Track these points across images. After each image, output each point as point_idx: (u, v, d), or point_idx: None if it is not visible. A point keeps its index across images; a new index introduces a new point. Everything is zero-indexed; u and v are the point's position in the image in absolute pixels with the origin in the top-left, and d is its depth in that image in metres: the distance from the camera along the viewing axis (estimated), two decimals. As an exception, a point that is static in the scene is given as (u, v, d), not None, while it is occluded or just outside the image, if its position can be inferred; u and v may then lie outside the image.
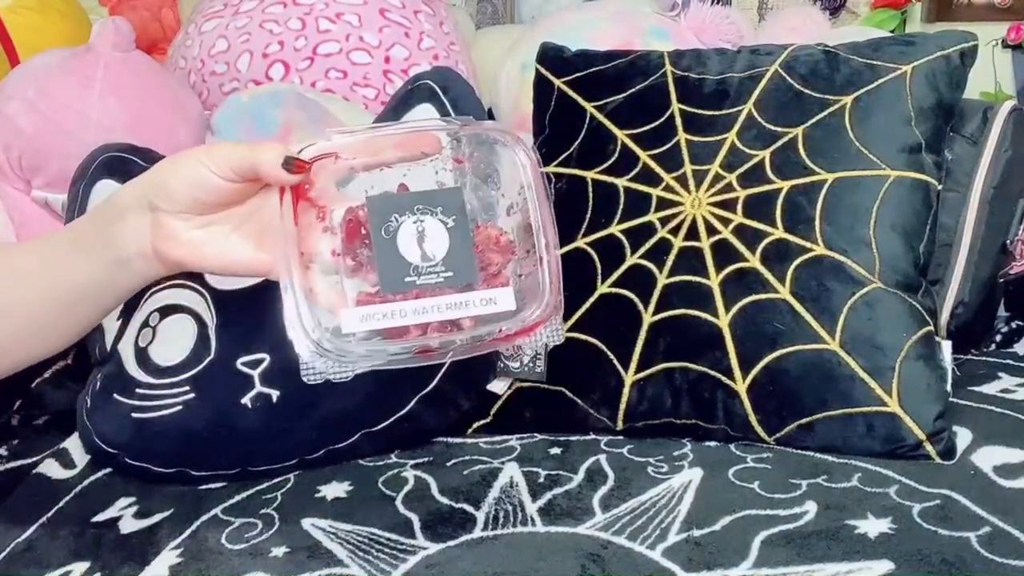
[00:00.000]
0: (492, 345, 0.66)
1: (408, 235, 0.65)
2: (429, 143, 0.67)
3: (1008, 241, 1.14)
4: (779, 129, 1.03)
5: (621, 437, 1.00)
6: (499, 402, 1.05)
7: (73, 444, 1.03)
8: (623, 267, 1.03)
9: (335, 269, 0.66)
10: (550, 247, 0.67)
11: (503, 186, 0.68)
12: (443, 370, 0.99)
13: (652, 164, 1.06)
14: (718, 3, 1.53)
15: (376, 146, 0.67)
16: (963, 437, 0.93)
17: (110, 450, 0.97)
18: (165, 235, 0.67)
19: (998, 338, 1.22)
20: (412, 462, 0.96)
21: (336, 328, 0.63)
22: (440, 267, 0.65)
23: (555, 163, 1.13)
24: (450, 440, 1.02)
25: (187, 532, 0.84)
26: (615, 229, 1.05)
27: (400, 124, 0.71)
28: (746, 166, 1.02)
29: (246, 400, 0.93)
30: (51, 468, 1.00)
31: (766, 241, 0.98)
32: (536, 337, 0.66)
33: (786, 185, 1.00)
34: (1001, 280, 1.18)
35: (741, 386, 0.95)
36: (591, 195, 1.08)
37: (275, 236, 0.65)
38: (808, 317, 0.94)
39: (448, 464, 0.95)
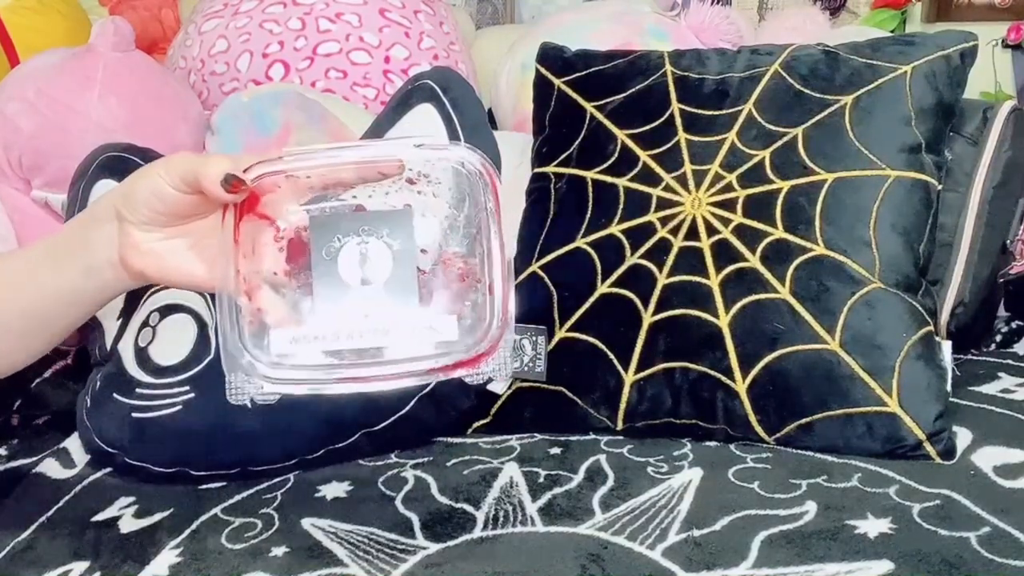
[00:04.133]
0: (428, 376, 0.63)
1: (350, 257, 0.63)
2: (388, 165, 0.65)
3: (1008, 241, 1.14)
4: (779, 129, 1.03)
5: (621, 437, 0.99)
6: (499, 402, 1.05)
7: (73, 444, 1.03)
8: (623, 267, 1.03)
9: (284, 288, 0.64)
10: (503, 276, 0.64)
11: (463, 209, 0.66)
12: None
13: (652, 164, 1.06)
14: (718, 3, 1.53)
15: (333, 167, 0.65)
16: (963, 437, 0.93)
17: (110, 450, 0.97)
18: (129, 244, 0.67)
19: (998, 338, 1.22)
20: (412, 462, 0.96)
21: (265, 348, 0.62)
22: (380, 291, 0.63)
23: (555, 163, 1.13)
24: (450, 440, 1.02)
25: (187, 532, 0.84)
26: (615, 229, 1.05)
27: (359, 145, 0.68)
28: (746, 166, 1.02)
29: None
30: (51, 468, 1.00)
31: (766, 241, 0.98)
32: (478, 370, 0.63)
33: (786, 185, 1.00)
34: (1001, 280, 1.18)
35: (741, 386, 0.95)
36: (591, 195, 1.08)
37: (216, 252, 0.64)
38: (808, 317, 0.94)
39: (448, 464, 0.95)
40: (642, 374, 0.99)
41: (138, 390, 0.96)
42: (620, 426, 1.00)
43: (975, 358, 1.16)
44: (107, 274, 0.69)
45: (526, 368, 1.02)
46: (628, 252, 1.03)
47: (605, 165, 1.09)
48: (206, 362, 0.95)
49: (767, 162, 1.01)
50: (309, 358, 0.62)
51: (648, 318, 0.99)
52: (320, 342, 0.62)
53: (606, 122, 1.11)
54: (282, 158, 0.64)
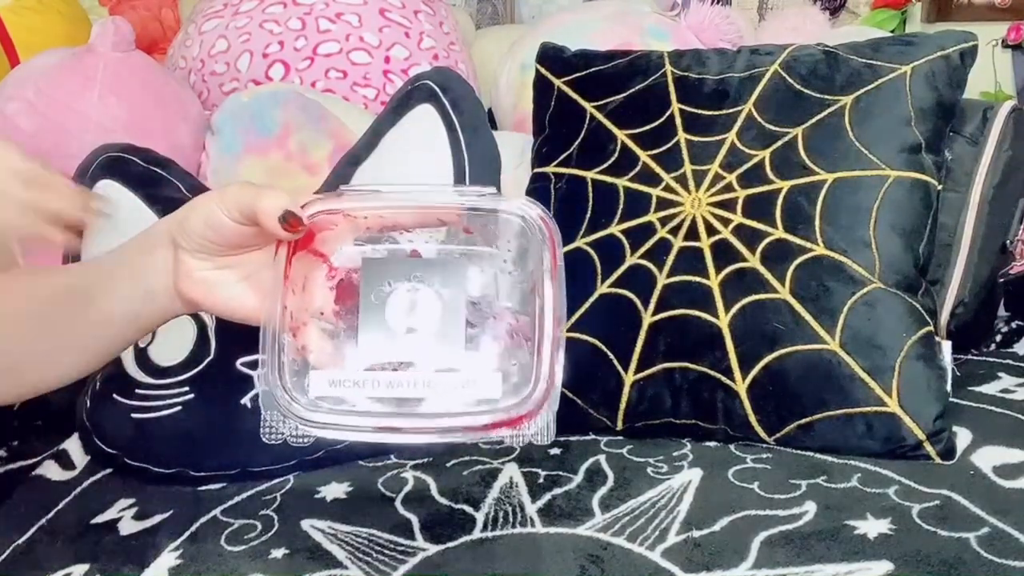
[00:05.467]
0: (466, 434, 0.60)
1: (399, 303, 0.61)
2: (447, 213, 0.63)
3: (1008, 241, 1.14)
4: (779, 129, 1.03)
5: (621, 437, 1.00)
6: (499, 402, 1.05)
7: (73, 445, 1.03)
8: (623, 267, 1.02)
9: (330, 328, 0.63)
10: (553, 335, 0.60)
11: (519, 264, 0.63)
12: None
13: (652, 164, 1.06)
14: (718, 3, 1.53)
15: (393, 211, 0.64)
16: (963, 437, 0.93)
17: (110, 451, 0.97)
18: (183, 272, 0.66)
19: (998, 338, 1.22)
20: (412, 463, 0.96)
21: (304, 389, 0.61)
22: (426, 341, 0.61)
23: (555, 163, 1.13)
24: (450, 440, 1.01)
25: (186, 534, 0.84)
26: (615, 229, 1.05)
27: (420, 190, 0.64)
28: (746, 166, 1.02)
29: (245, 400, 0.93)
30: (51, 469, 1.00)
31: (766, 241, 0.98)
32: (518, 432, 0.60)
33: (786, 185, 1.00)
34: (1001, 280, 1.18)
35: (741, 386, 0.95)
36: (591, 195, 1.08)
37: (267, 286, 0.63)
38: (808, 317, 0.94)
39: (448, 465, 0.94)
40: (642, 374, 0.99)
41: (138, 390, 0.96)
42: (620, 426, 1.00)
43: (975, 358, 1.16)
44: (163, 300, 0.68)
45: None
46: (628, 252, 1.03)
47: (605, 165, 1.09)
48: (205, 363, 0.95)
49: (767, 162, 1.01)
50: (347, 403, 0.61)
51: (648, 318, 0.99)
52: (360, 388, 0.61)
53: (606, 122, 1.11)
54: (342, 196, 0.62)
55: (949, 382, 0.96)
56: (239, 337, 0.94)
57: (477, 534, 0.80)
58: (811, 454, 0.92)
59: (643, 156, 1.07)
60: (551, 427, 0.61)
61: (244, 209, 0.62)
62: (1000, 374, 1.10)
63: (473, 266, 0.63)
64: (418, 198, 0.63)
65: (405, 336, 0.61)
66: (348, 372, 0.61)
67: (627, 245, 1.03)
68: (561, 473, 0.91)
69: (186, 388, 0.95)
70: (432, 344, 0.61)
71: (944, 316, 1.09)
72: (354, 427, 0.61)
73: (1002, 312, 1.24)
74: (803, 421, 0.93)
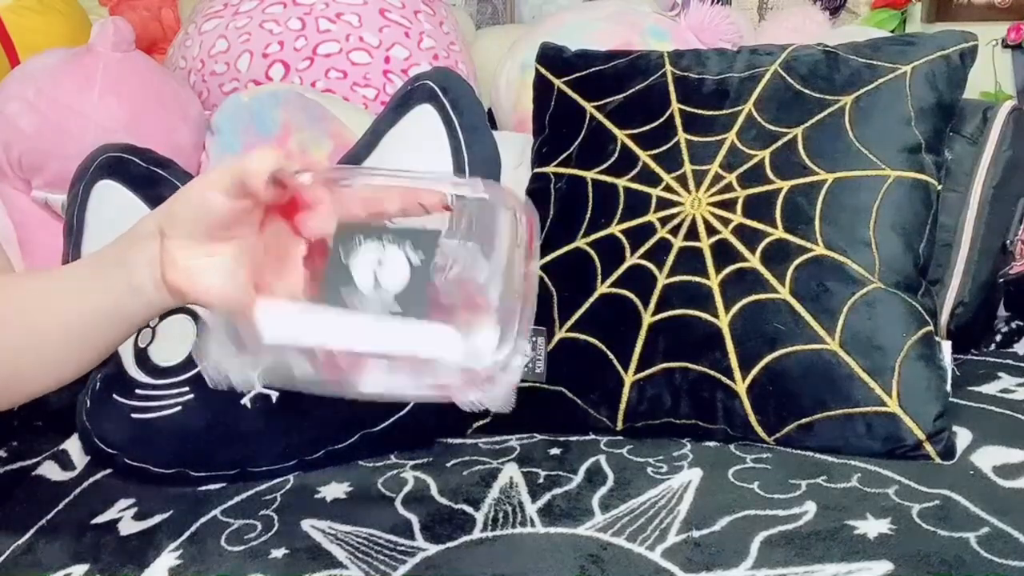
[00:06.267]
0: (421, 391, 0.60)
1: (366, 259, 0.62)
2: (429, 196, 0.64)
3: (1008, 241, 1.14)
4: (779, 129, 1.03)
5: (621, 437, 0.99)
6: (499, 402, 1.05)
7: (72, 445, 1.03)
8: (623, 267, 1.02)
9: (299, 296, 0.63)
10: (520, 310, 0.61)
11: (494, 241, 0.63)
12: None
13: (652, 164, 1.06)
14: (718, 3, 1.53)
15: (377, 195, 0.65)
16: (963, 437, 0.93)
17: (109, 451, 0.97)
18: (168, 261, 0.66)
19: (998, 338, 1.22)
20: (412, 463, 0.96)
21: (256, 334, 0.60)
22: (389, 300, 0.61)
23: (555, 163, 1.13)
24: (450, 440, 1.02)
25: (186, 534, 0.84)
26: (615, 229, 1.05)
27: (405, 175, 0.65)
28: (746, 166, 1.02)
29: (245, 401, 0.93)
30: (50, 470, 1.00)
31: (766, 241, 0.98)
32: (473, 398, 0.60)
33: (786, 185, 1.00)
34: (1001, 280, 1.18)
35: (741, 386, 0.95)
36: (591, 195, 1.08)
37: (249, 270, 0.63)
38: (808, 317, 0.94)
39: (448, 465, 0.94)
40: (642, 374, 0.99)
41: (137, 391, 0.96)
42: (620, 426, 1.00)
43: (975, 358, 1.16)
44: (149, 294, 0.68)
45: (526, 369, 1.02)
46: (628, 252, 1.03)
47: (605, 165, 1.09)
48: (205, 363, 0.95)
49: (767, 162, 1.01)
50: (302, 347, 0.60)
51: (648, 318, 0.99)
52: (317, 336, 0.60)
53: (606, 122, 1.11)
54: (328, 170, 0.63)
55: (949, 382, 0.96)
56: (239, 337, 0.95)
57: (477, 534, 0.80)
58: (811, 454, 0.92)
59: (643, 156, 1.07)
60: (511, 396, 0.60)
61: (233, 175, 0.62)
62: (1000, 374, 1.10)
63: (446, 239, 0.63)
64: (400, 178, 0.64)
65: (370, 292, 0.61)
66: (307, 318, 0.61)
67: (627, 245, 1.03)
68: (561, 473, 0.91)
69: (186, 388, 0.95)
70: (396, 304, 0.61)
71: (944, 316, 1.09)
72: (300, 371, 0.60)
73: (1002, 312, 1.24)
74: (803, 421, 0.93)
